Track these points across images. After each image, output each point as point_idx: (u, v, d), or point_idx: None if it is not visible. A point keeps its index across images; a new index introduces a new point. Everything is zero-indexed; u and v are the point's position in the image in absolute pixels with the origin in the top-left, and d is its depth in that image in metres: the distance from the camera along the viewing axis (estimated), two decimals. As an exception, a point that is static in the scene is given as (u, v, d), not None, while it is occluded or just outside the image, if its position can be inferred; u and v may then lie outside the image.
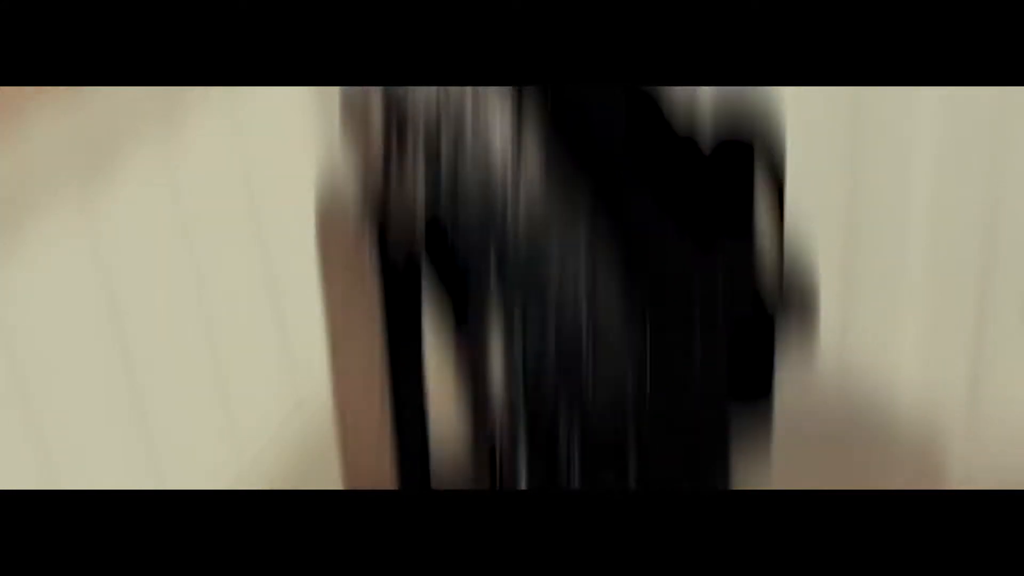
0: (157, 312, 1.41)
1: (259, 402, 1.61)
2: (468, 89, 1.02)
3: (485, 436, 1.10)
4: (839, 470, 1.60)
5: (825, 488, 1.44)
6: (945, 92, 1.47)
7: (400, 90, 1.04)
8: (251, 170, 1.55)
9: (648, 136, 1.06)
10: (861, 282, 1.62)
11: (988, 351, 1.61)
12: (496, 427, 1.08)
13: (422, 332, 1.28)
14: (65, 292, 1.30)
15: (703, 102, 1.11)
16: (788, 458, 1.56)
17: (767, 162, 1.09)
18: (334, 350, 1.72)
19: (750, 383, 1.16)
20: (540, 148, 1.01)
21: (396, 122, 1.08)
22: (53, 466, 1.28)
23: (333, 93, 1.59)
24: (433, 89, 1.03)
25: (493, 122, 1.01)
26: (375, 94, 1.05)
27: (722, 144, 1.11)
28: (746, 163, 1.10)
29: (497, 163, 1.03)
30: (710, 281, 1.08)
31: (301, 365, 1.68)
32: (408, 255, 1.21)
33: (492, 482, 1.11)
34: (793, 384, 1.43)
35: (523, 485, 1.07)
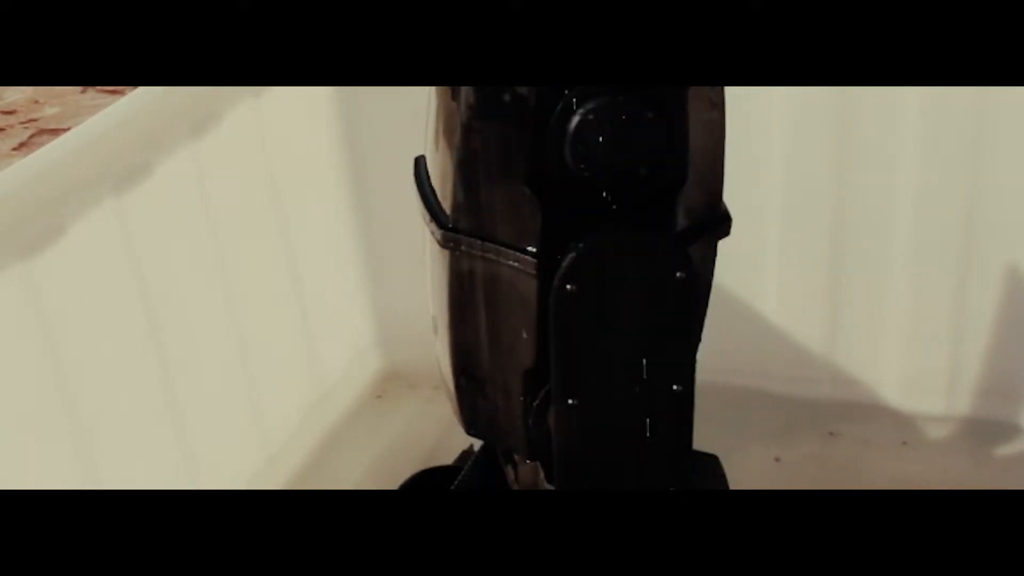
0: (186, 309, 1.39)
1: (284, 395, 1.57)
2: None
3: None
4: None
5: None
6: (927, 92, 1.44)
7: None
8: (276, 169, 1.52)
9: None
10: (849, 279, 1.58)
11: (967, 345, 1.57)
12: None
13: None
14: (101, 291, 1.28)
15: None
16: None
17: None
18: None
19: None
20: None
21: None
22: (88, 457, 1.25)
23: (354, 93, 1.58)
24: None
25: None
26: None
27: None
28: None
29: None
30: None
31: (325, 361, 1.65)
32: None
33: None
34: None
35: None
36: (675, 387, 1.01)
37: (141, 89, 1.36)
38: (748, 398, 1.63)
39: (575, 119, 0.93)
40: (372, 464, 1.59)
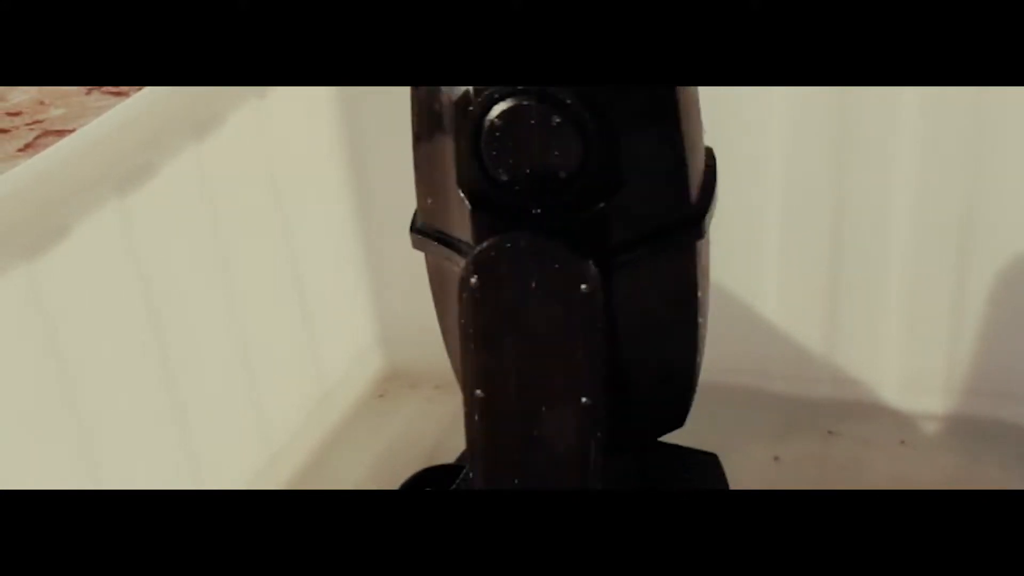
0: (188, 309, 1.38)
1: (286, 395, 1.57)
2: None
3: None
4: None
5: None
6: (927, 92, 1.43)
7: None
8: (279, 169, 1.52)
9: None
10: (848, 279, 1.57)
11: (966, 344, 1.57)
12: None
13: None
14: (103, 291, 1.28)
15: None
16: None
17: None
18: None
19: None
20: None
21: None
22: (92, 459, 1.25)
23: (356, 94, 1.58)
24: None
25: None
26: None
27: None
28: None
29: None
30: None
31: (326, 360, 1.64)
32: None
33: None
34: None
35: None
36: (583, 399, 0.99)
37: (145, 91, 1.36)
38: (747, 397, 1.62)
39: (486, 123, 0.93)
40: (374, 463, 1.58)
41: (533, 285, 0.96)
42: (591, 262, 0.95)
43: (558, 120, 0.92)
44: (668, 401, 1.08)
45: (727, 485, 1.18)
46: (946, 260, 1.53)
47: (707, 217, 1.00)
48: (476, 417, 1.01)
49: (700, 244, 1.01)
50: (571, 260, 0.95)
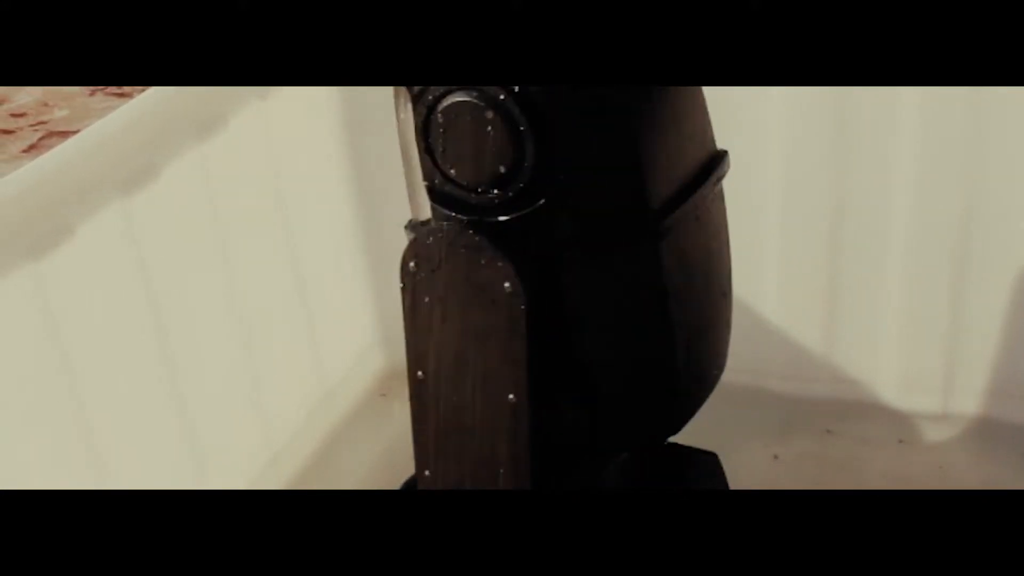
0: (191, 309, 1.38)
1: (288, 394, 1.57)
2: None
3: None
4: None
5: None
6: (927, 92, 1.43)
7: None
8: (281, 169, 1.52)
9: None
10: (847, 279, 1.57)
11: (964, 344, 1.56)
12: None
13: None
14: (107, 291, 1.28)
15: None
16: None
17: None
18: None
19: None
20: None
21: None
22: (97, 455, 1.24)
23: (358, 94, 1.57)
24: None
25: None
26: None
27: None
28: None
29: None
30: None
31: (329, 359, 1.64)
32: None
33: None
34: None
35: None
36: (510, 396, 0.99)
37: (148, 92, 1.36)
38: (747, 396, 1.62)
39: (432, 119, 0.96)
40: (376, 461, 1.58)
41: (461, 277, 0.98)
42: (512, 262, 0.96)
43: (491, 116, 0.94)
44: (651, 405, 1.07)
45: (727, 484, 1.18)
46: (945, 260, 1.53)
47: (668, 219, 0.99)
48: (417, 397, 1.03)
49: (664, 245, 1.00)
50: (495, 257, 0.96)
